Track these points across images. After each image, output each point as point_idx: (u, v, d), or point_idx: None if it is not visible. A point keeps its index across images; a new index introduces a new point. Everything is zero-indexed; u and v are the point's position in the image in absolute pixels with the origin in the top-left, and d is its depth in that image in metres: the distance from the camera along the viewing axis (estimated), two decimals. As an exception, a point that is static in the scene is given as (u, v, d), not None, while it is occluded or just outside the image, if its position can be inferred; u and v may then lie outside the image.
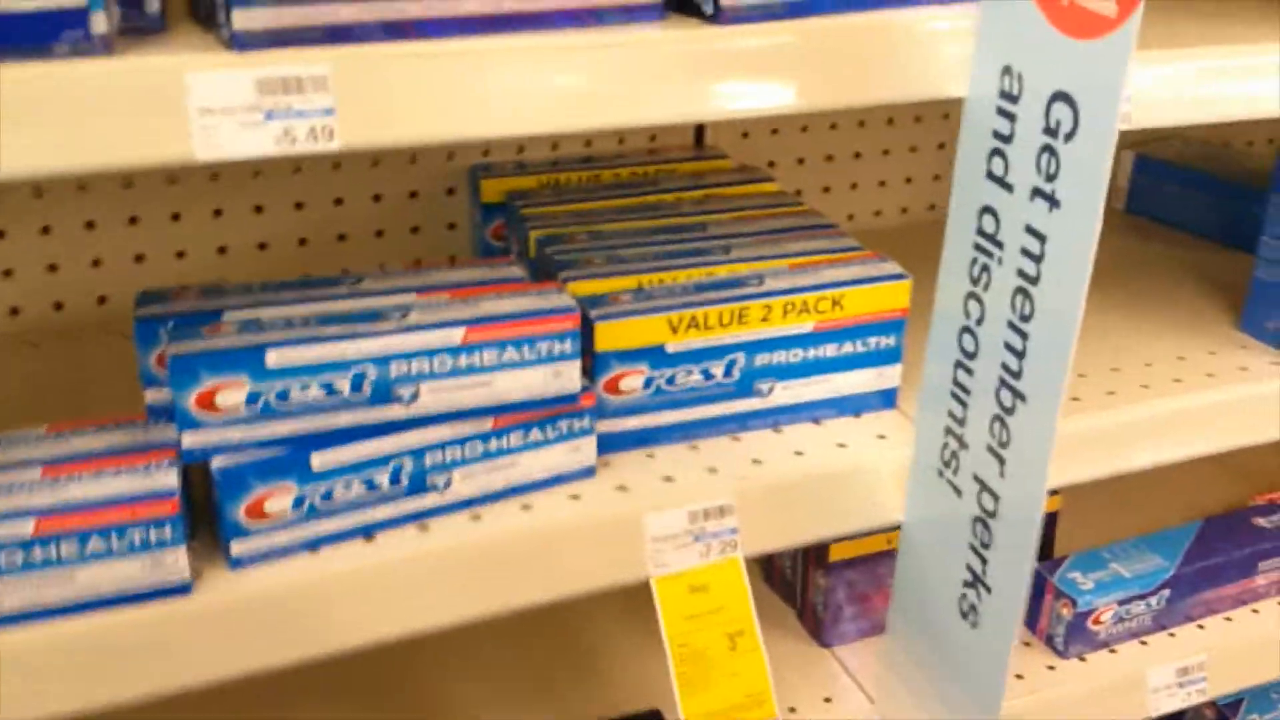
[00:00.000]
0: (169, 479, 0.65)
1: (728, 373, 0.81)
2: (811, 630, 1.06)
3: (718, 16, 0.66)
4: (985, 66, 0.67)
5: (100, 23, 0.54)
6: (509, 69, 0.61)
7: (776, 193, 1.03)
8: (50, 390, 0.91)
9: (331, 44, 0.59)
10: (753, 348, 0.81)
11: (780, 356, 0.82)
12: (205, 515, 0.70)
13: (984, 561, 0.73)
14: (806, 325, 0.81)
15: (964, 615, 0.75)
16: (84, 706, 0.65)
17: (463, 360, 0.70)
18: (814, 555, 1.04)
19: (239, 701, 0.90)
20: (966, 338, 0.70)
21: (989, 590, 0.73)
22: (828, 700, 0.98)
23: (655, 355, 0.79)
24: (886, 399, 0.86)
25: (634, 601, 0.78)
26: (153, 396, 0.72)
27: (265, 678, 0.69)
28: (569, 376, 0.74)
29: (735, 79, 0.66)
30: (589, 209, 0.99)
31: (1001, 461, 0.69)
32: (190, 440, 0.66)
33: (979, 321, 0.69)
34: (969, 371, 0.70)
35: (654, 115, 0.65)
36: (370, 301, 0.74)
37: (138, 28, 0.61)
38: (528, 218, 0.96)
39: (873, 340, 0.83)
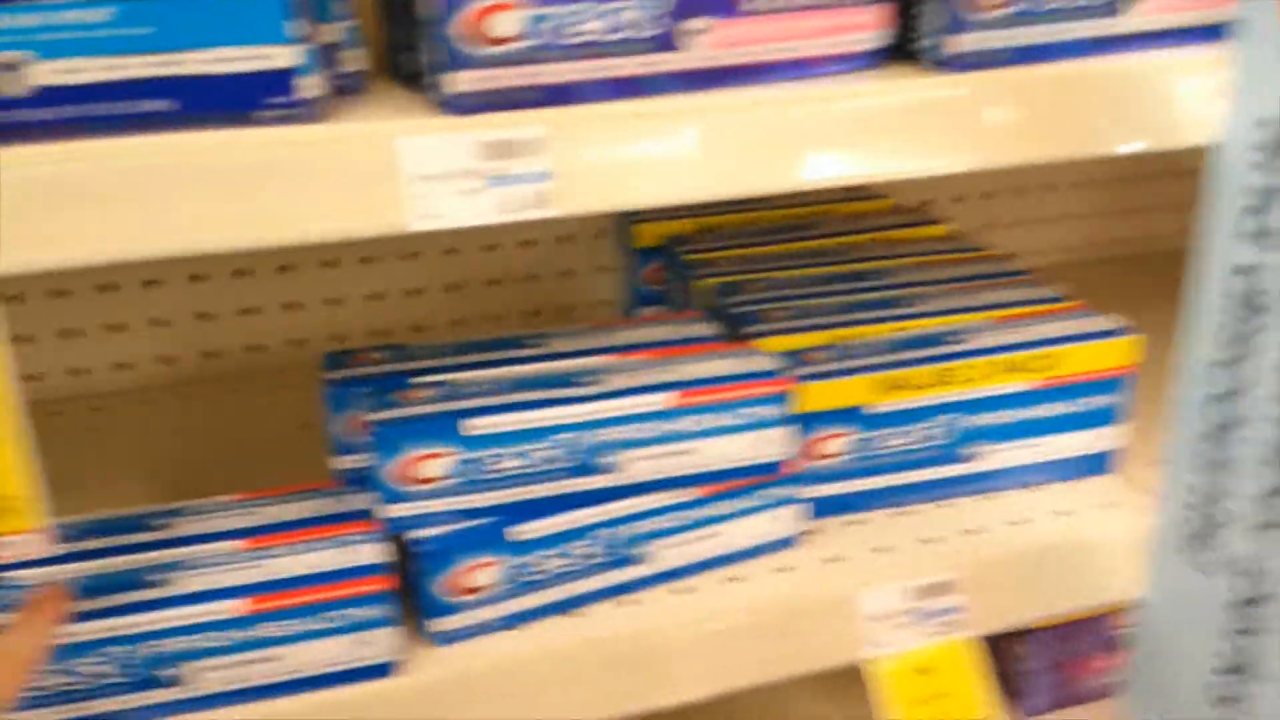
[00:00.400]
0: (376, 553, 0.62)
1: (935, 435, 0.76)
2: (1005, 698, 1.00)
3: (939, 64, 0.61)
4: (1242, 116, 0.61)
5: (308, 86, 0.51)
6: (725, 125, 0.57)
7: (949, 235, 0.98)
8: (213, 443, 0.89)
9: (546, 105, 0.55)
10: (960, 408, 0.76)
11: (990, 418, 0.76)
12: (404, 593, 0.67)
13: (1243, 649, 0.66)
14: (1019, 385, 0.76)
15: (1217, 703, 0.68)
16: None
17: (667, 426, 0.66)
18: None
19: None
20: (1217, 407, 0.64)
21: (1258, 679, 0.66)
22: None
23: (858, 417, 0.74)
24: (1102, 463, 0.80)
25: (839, 682, 0.73)
26: (344, 463, 0.69)
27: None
28: (776, 442, 0.69)
29: (959, 131, 0.61)
30: (755, 254, 0.95)
31: (1267, 543, 0.63)
32: (398, 511, 0.63)
33: (1232, 392, 0.63)
34: (1221, 445, 0.64)
35: (872, 170, 0.60)
36: (565, 363, 0.70)
37: (336, 87, 0.59)
38: (692, 264, 0.92)
39: (1091, 400, 0.77)
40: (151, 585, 0.60)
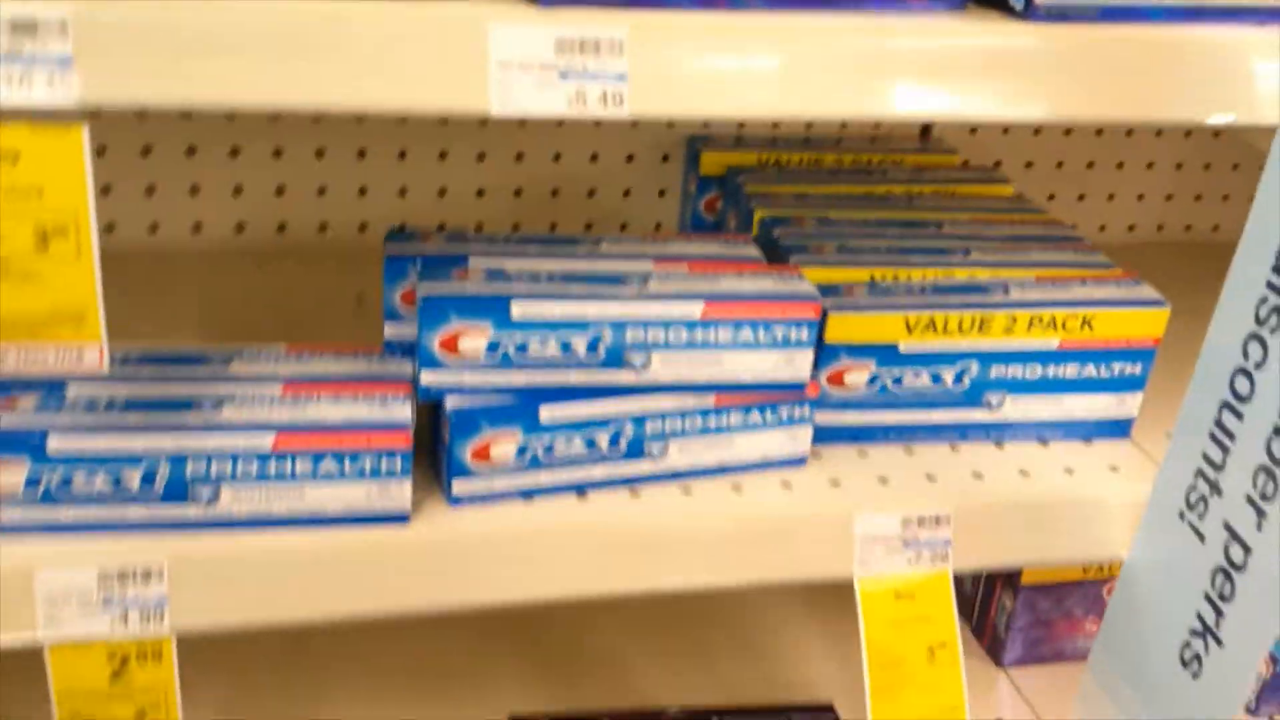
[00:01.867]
0: (403, 412, 0.66)
1: (958, 380, 0.78)
2: (988, 648, 1.02)
3: (1027, 12, 0.62)
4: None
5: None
6: (801, 47, 0.59)
7: (1015, 197, 0.99)
8: (275, 308, 0.94)
9: (630, 8, 0.57)
10: (989, 358, 0.77)
11: (1016, 371, 0.78)
12: (424, 453, 0.71)
13: (1219, 614, 0.68)
14: (1051, 342, 0.77)
15: (1185, 663, 0.70)
16: (302, 617, 0.67)
17: (698, 335, 0.69)
18: (1004, 575, 1.00)
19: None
20: (1241, 380, 0.65)
21: (1220, 644, 0.68)
22: (1001, 725, 0.94)
23: (886, 353, 0.76)
24: (1121, 428, 0.81)
25: (815, 595, 0.76)
26: (392, 331, 0.73)
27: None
28: (800, 365, 0.72)
29: (1039, 82, 0.62)
30: (814, 192, 0.97)
31: (1261, 515, 0.64)
32: (428, 379, 0.67)
33: (1259, 365, 0.64)
34: (1238, 415, 0.66)
35: (949, 109, 0.62)
36: (611, 265, 0.73)
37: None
38: (751, 195, 0.94)
39: (1118, 366, 0.78)
40: (194, 409, 0.65)
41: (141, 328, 0.86)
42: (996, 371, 0.78)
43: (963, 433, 0.80)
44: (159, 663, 0.67)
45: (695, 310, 0.69)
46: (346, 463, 0.65)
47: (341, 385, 0.69)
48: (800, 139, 1.12)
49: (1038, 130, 1.18)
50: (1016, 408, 0.79)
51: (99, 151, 0.98)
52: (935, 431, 0.79)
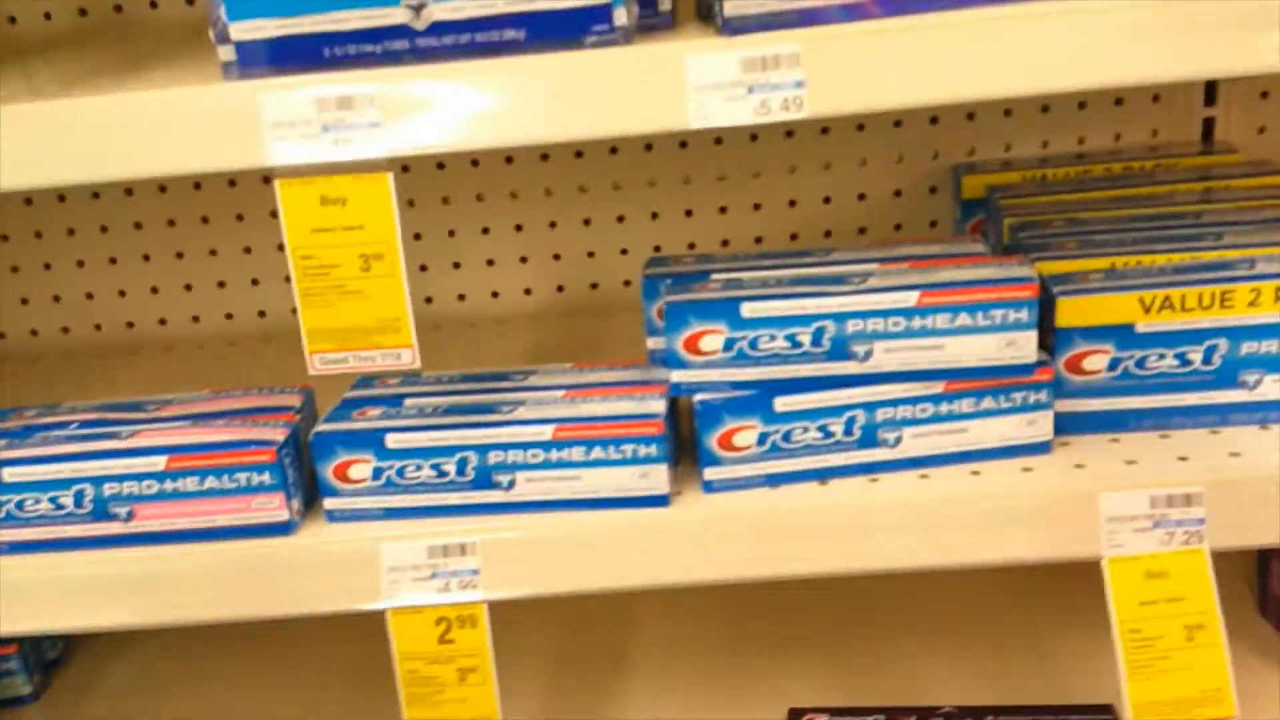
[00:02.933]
0: (658, 405, 0.77)
1: (1207, 359, 0.77)
2: (1276, 623, 0.95)
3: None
4: None
5: (622, 16, 0.67)
6: (958, 40, 0.65)
7: (1292, 183, 0.94)
8: (580, 345, 1.09)
9: (801, 26, 0.66)
10: (1237, 334, 0.76)
11: (1270, 346, 0.75)
12: (687, 449, 0.81)
13: None
14: (1305, 313, 0.74)
15: None
16: (583, 588, 0.78)
17: (916, 322, 0.75)
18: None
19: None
20: None
21: None
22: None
23: (1123, 335, 0.77)
24: None
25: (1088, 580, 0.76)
26: (652, 344, 0.85)
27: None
28: (1024, 347, 0.75)
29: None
30: (1073, 199, 0.98)
31: None
32: (678, 377, 0.78)
33: None
34: None
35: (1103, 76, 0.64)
36: (837, 269, 0.80)
37: (652, 25, 0.74)
38: (1006, 208, 0.97)
39: (1391, 333, 0.74)
40: (495, 411, 0.79)
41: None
42: (1248, 348, 0.76)
43: (1223, 415, 0.78)
44: (475, 628, 0.81)
45: (911, 298, 0.74)
46: (611, 449, 0.76)
47: (610, 389, 0.81)
48: (1073, 154, 1.13)
49: (1339, 120, 1.10)
50: (1278, 386, 0.76)
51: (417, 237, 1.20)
52: (1191, 415, 0.78)
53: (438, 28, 0.67)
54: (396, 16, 0.67)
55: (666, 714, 1.00)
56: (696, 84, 0.65)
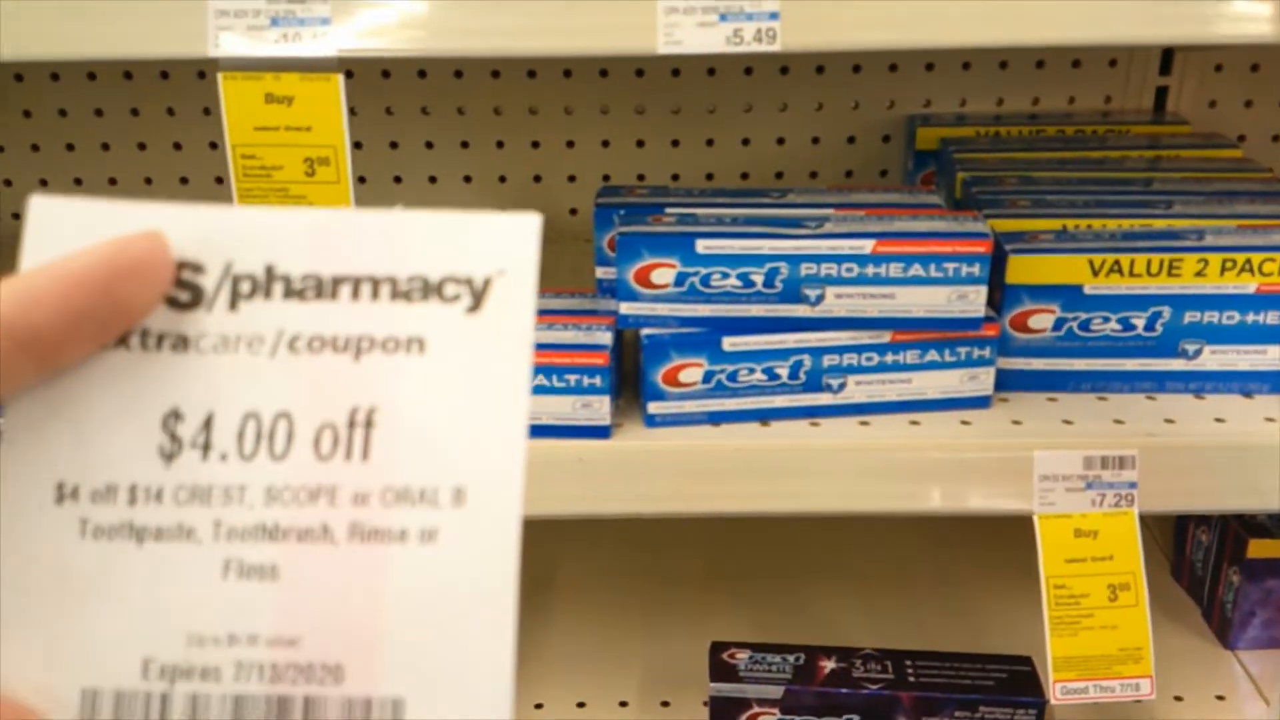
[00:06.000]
0: (605, 337, 0.75)
1: (1150, 326, 0.78)
2: (1217, 630, 0.98)
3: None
4: None
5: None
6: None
7: (1240, 159, 0.96)
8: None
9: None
10: (1181, 303, 0.77)
11: (1213, 316, 0.77)
12: (631, 383, 0.80)
13: None
14: (1248, 286, 0.76)
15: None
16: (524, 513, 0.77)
17: (869, 270, 0.74)
18: (1230, 550, 0.96)
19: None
20: None
21: None
22: (1220, 698, 0.90)
23: (1070, 296, 0.77)
24: (1337, 380, 0.77)
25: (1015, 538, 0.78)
26: (602, 273, 0.83)
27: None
28: (973, 302, 0.75)
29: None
30: (1025, 158, 0.98)
31: None
32: (626, 309, 0.76)
33: None
34: None
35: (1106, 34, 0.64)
36: (793, 211, 0.79)
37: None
38: (959, 161, 0.97)
39: (1327, 311, 0.75)
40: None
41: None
42: (1190, 317, 0.77)
43: (1160, 383, 0.79)
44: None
45: (866, 246, 0.73)
46: (555, 377, 0.75)
47: (556, 317, 0.79)
48: (1025, 114, 1.13)
49: (1288, 98, 1.12)
50: (1216, 357, 0.78)
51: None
52: (1130, 380, 0.79)
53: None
54: (357, -93, 0.63)
55: (588, 645, 1.00)
56: (666, 4, 0.63)
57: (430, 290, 0.30)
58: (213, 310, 0.30)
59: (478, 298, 0.30)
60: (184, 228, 0.30)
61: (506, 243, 0.30)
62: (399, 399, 0.30)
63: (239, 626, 0.29)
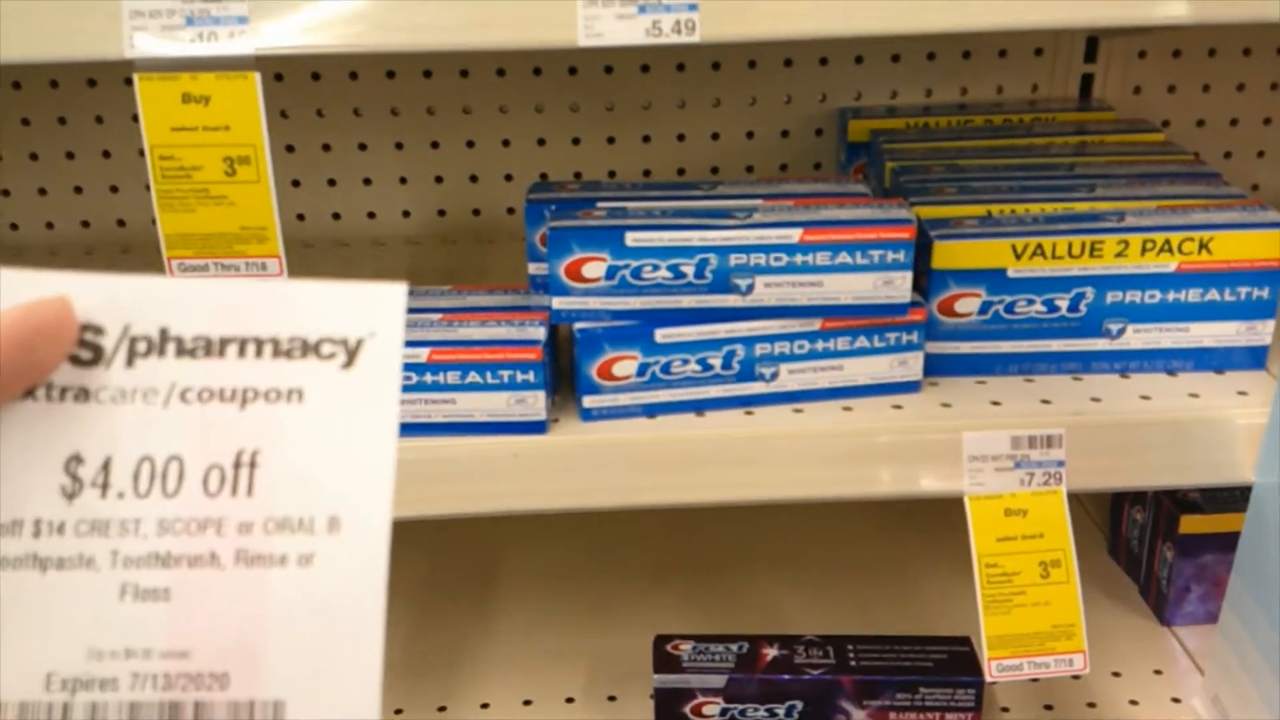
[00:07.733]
0: (538, 332, 0.75)
1: (1074, 307, 0.79)
2: (1153, 606, 1.00)
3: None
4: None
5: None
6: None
7: (1162, 142, 0.98)
8: (459, 271, 1.06)
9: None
10: (1104, 283, 0.78)
11: (1134, 296, 0.78)
12: (566, 377, 0.80)
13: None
14: (1168, 266, 0.77)
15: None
16: (451, 512, 0.77)
17: (798, 259, 0.75)
18: (1164, 527, 0.98)
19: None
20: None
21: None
22: (1158, 672, 0.92)
23: (995, 279, 0.79)
24: (1255, 357, 0.79)
25: (956, 521, 0.79)
26: (535, 269, 0.83)
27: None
28: (899, 287, 0.76)
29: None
30: (953, 147, 1.00)
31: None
32: (559, 304, 0.76)
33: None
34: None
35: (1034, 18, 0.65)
36: (723, 203, 0.80)
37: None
38: (888, 151, 0.98)
39: (1243, 290, 0.77)
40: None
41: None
42: (1113, 298, 0.78)
43: (1085, 363, 0.81)
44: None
45: (794, 235, 0.74)
46: (489, 374, 0.75)
47: (489, 314, 0.79)
48: (955, 104, 1.15)
49: (1206, 87, 1.15)
50: (1139, 336, 0.79)
51: (291, 149, 1.15)
52: (1056, 361, 0.81)
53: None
54: (271, -95, 0.62)
55: (532, 640, 1.00)
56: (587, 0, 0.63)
57: (309, 349, 0.34)
58: (111, 367, 0.34)
59: (351, 355, 0.34)
60: (88, 293, 0.33)
61: (377, 308, 0.34)
62: (280, 442, 0.34)
63: (135, 642, 0.32)
